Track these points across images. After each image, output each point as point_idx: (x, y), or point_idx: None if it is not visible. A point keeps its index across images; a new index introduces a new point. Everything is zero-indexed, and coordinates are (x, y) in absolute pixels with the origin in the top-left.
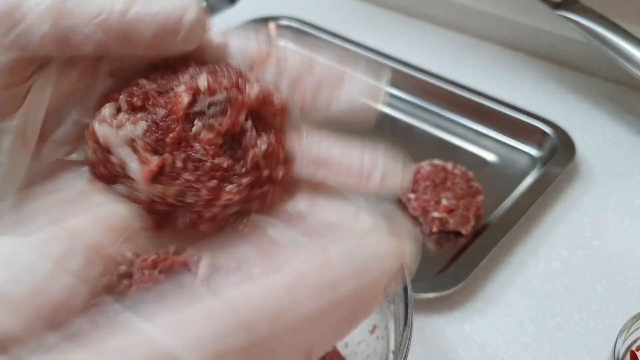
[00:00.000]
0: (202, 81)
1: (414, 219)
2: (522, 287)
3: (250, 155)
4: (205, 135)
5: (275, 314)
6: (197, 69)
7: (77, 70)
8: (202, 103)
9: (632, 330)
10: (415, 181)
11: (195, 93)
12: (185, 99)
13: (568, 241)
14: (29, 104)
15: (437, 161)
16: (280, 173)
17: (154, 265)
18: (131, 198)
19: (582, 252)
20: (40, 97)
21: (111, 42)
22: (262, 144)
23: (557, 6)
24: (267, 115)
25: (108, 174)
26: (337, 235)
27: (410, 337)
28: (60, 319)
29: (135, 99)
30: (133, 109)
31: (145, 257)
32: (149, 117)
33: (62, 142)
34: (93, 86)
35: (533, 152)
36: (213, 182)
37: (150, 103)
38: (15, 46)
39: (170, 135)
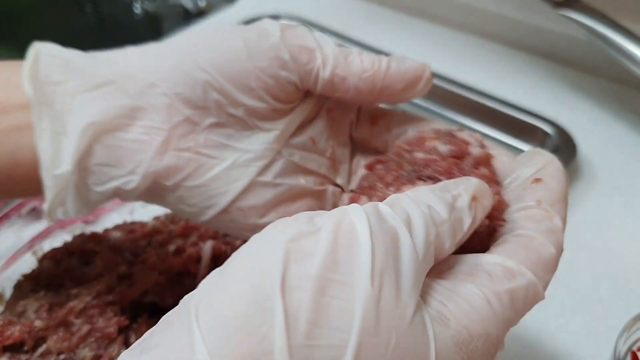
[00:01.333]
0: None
1: None
2: None
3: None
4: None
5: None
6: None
7: (316, 104)
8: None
9: (633, 330)
10: None
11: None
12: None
13: (570, 241)
14: (291, 118)
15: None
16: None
17: (154, 266)
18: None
19: (584, 252)
20: (299, 116)
21: (367, 92)
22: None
23: (558, 5)
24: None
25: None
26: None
27: None
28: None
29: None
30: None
31: (144, 258)
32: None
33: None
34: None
35: None
36: None
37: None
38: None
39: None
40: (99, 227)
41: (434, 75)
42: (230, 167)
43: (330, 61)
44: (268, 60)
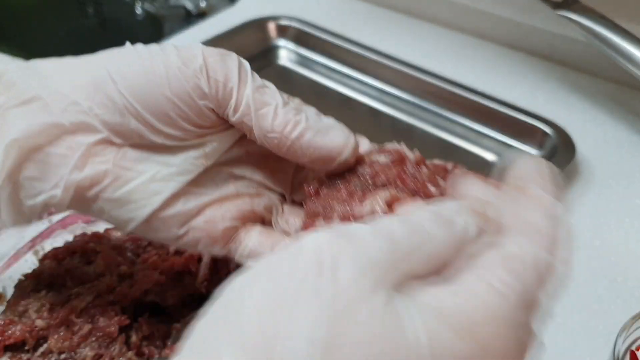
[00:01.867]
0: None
1: None
2: None
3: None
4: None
5: None
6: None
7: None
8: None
9: (632, 330)
10: None
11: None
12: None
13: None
14: (221, 138)
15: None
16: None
17: (154, 265)
18: None
19: (583, 252)
20: (229, 137)
21: (274, 149)
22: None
23: (557, 6)
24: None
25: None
26: None
27: None
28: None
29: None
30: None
31: (145, 258)
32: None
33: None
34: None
35: (533, 152)
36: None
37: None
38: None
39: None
40: (100, 227)
41: (434, 75)
42: (149, 181)
43: (241, 108)
44: (187, 89)
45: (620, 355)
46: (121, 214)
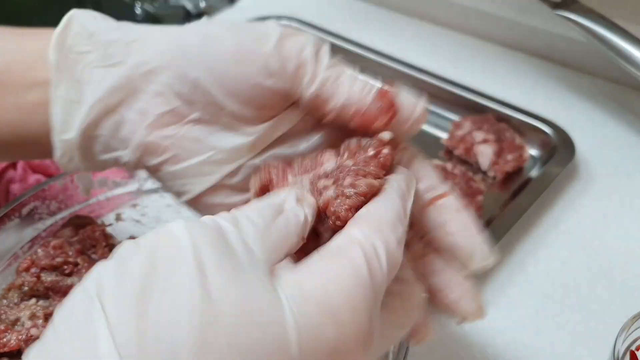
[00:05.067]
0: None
1: None
2: (522, 287)
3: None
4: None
5: None
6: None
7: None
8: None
9: (631, 330)
10: None
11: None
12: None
13: (568, 241)
14: (270, 125)
15: (437, 161)
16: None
17: None
18: None
19: (582, 252)
20: (280, 125)
21: (359, 119)
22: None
23: (556, 6)
24: None
25: None
26: None
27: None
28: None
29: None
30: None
31: None
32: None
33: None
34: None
35: (533, 151)
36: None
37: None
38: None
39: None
40: None
41: (434, 75)
42: (203, 163)
43: (318, 79)
44: (256, 69)
45: (620, 355)
46: (175, 187)
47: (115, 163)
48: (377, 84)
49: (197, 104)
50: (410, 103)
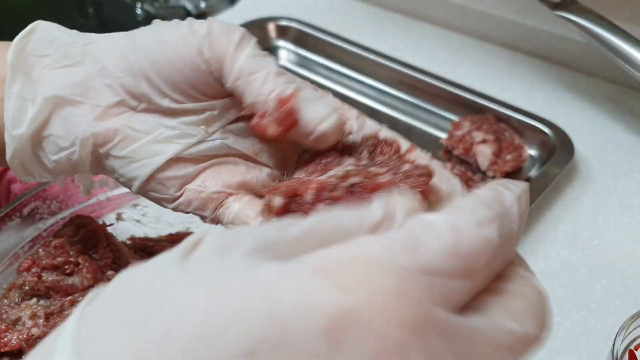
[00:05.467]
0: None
1: None
2: None
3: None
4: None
5: None
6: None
7: None
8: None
9: (630, 329)
10: None
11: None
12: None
13: (567, 241)
14: (221, 104)
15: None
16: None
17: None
18: None
19: (581, 252)
20: (231, 105)
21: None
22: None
23: (555, 6)
24: None
25: None
26: None
27: None
28: None
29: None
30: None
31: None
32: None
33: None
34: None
35: (532, 151)
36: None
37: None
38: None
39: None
40: None
41: (433, 76)
42: (152, 141)
43: (234, 72)
44: (192, 55)
45: (619, 355)
46: (127, 172)
47: (68, 165)
48: (291, 89)
49: (141, 94)
50: (317, 116)
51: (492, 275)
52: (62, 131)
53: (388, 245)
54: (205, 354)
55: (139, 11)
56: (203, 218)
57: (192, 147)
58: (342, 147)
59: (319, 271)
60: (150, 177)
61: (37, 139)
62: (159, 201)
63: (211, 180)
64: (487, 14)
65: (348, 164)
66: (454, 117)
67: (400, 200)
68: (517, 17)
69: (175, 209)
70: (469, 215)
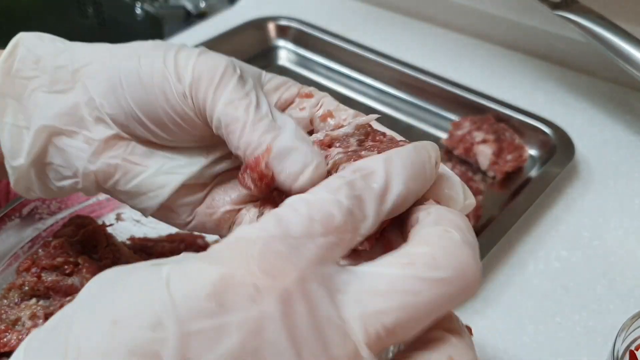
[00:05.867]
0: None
1: None
2: (521, 287)
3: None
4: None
5: None
6: None
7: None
8: None
9: (631, 329)
10: None
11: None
12: None
13: (567, 241)
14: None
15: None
16: None
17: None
18: None
19: (582, 252)
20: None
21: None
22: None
23: (556, 6)
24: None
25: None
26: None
27: None
28: None
29: None
30: None
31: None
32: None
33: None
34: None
35: (532, 151)
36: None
37: None
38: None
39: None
40: None
41: (433, 75)
42: (155, 174)
43: (214, 123)
44: (180, 105)
45: (620, 355)
46: (136, 204)
47: (73, 189)
48: (267, 141)
49: (136, 130)
50: (292, 173)
51: (355, 229)
52: (62, 161)
53: (260, 227)
54: (120, 334)
55: (138, 11)
56: (221, 236)
57: (195, 173)
58: (331, 141)
59: (200, 257)
60: (160, 207)
61: (39, 166)
62: (174, 225)
63: (219, 200)
64: (487, 14)
65: (336, 153)
66: (454, 117)
67: None
68: (517, 17)
69: (191, 231)
70: (322, 188)
